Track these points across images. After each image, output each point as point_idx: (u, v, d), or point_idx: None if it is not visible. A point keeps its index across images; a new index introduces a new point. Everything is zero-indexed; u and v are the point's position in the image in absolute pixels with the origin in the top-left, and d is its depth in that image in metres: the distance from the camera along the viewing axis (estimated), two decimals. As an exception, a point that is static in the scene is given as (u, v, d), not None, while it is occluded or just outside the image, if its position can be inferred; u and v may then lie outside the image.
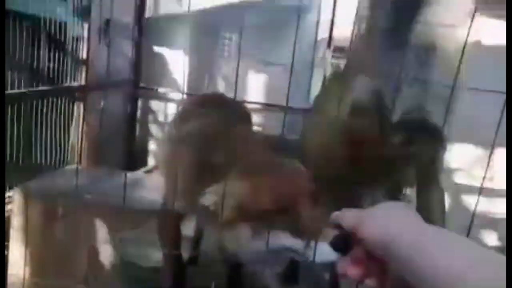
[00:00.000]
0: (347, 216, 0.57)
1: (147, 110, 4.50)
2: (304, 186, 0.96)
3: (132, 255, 1.86)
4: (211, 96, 1.46)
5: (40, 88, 2.67)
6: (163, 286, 1.24)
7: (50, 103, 2.78)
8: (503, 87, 1.14)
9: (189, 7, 4.60)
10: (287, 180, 0.96)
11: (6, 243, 2.08)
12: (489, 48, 2.37)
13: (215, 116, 0.99)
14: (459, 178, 2.84)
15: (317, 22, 4.91)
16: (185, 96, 4.45)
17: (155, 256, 1.69)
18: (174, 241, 1.20)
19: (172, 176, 1.08)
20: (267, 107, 4.41)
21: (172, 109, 4.58)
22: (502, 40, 1.82)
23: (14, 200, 2.14)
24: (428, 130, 1.06)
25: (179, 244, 1.27)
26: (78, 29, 3.08)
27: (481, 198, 2.68)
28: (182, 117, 1.07)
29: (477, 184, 2.73)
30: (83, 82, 3.05)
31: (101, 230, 2.00)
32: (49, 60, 2.82)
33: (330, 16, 4.91)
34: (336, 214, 0.60)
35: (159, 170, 1.23)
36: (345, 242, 0.62)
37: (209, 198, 0.90)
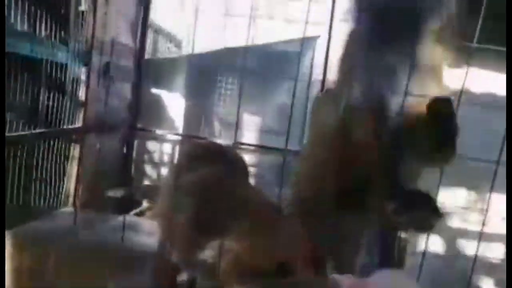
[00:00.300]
0: (348, 283, 0.58)
1: (144, 151, 4.52)
2: (303, 247, 0.96)
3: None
4: (209, 146, 1.46)
5: (38, 130, 2.69)
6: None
7: (47, 145, 2.80)
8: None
9: (193, 49, 4.75)
10: (286, 241, 0.96)
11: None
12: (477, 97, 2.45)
13: (214, 168, 1.00)
14: (453, 222, 2.85)
15: (311, 65, 5.06)
16: (181, 138, 4.49)
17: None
18: None
19: (169, 228, 1.08)
20: (261, 149, 4.45)
21: (169, 151, 4.61)
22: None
23: (6, 244, 2.10)
24: (428, 206, 1.05)
25: None
26: (78, 72, 3.15)
27: (477, 243, 2.69)
28: (180, 167, 1.06)
29: (472, 228, 2.74)
30: (80, 124, 3.08)
31: (96, 275, 1.96)
32: (48, 103, 2.86)
33: (323, 59, 5.08)
34: (336, 278, 0.61)
35: (156, 221, 1.22)
36: None
37: (207, 252, 0.89)
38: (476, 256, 2.10)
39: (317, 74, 5.83)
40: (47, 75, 2.86)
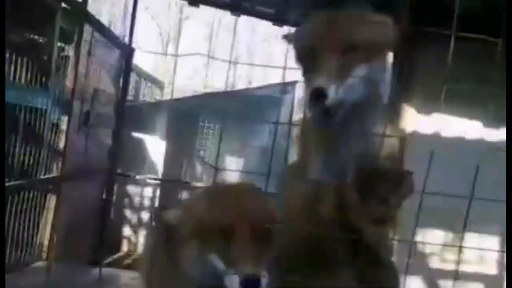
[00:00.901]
0: None
1: (123, 196, 4.46)
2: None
3: None
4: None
5: (13, 183, 2.62)
6: None
7: (22, 197, 2.72)
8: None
9: (172, 93, 4.81)
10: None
11: None
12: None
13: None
14: (432, 263, 2.86)
15: (292, 109, 5.17)
16: (160, 182, 4.46)
17: None
18: None
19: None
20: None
21: (149, 194, 4.56)
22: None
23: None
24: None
25: None
26: (57, 120, 3.13)
27: (457, 283, 2.69)
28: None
29: (449, 267, 2.75)
30: (57, 173, 3.03)
31: None
32: (24, 152, 2.81)
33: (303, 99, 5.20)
34: None
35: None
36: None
37: None
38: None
39: (298, 117, 5.95)
40: (25, 123, 2.83)
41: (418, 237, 2.81)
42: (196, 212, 1.00)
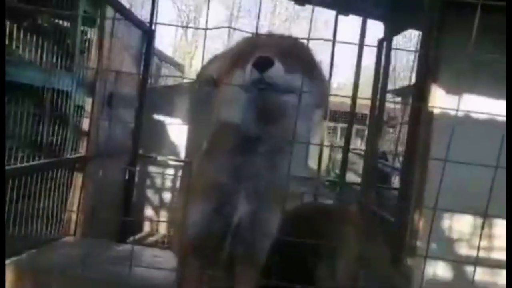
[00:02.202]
0: None
1: (145, 177, 4.55)
2: None
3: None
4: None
5: (42, 161, 2.72)
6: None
7: (50, 175, 2.82)
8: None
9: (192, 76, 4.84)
10: None
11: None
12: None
13: None
14: (460, 249, 2.81)
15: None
16: (182, 163, 4.52)
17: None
18: None
19: None
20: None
21: (170, 176, 4.64)
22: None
23: (7, 273, 2.10)
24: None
25: None
26: (82, 101, 3.21)
27: (482, 269, 2.65)
28: None
29: (478, 254, 2.70)
30: (83, 153, 3.12)
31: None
32: (52, 134, 2.90)
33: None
34: None
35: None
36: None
37: None
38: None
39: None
40: (51, 105, 2.91)
41: (445, 222, 2.79)
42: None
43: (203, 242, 1.14)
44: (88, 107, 3.14)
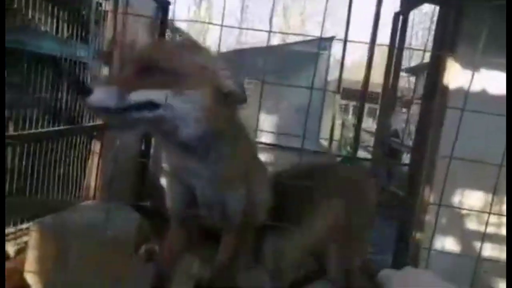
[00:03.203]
0: None
1: (160, 148, 4.61)
2: None
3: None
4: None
5: (62, 127, 2.80)
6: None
7: (69, 141, 2.91)
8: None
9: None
10: None
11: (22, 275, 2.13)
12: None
13: None
14: (470, 224, 2.85)
15: (327, 66, 5.09)
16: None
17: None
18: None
19: None
20: (278, 148, 4.49)
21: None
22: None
23: (32, 233, 2.21)
24: None
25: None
26: (98, 72, 3.25)
27: (492, 245, 2.69)
28: None
29: (488, 230, 2.74)
30: (101, 122, 3.18)
31: (116, 266, 2.04)
32: (70, 101, 2.97)
33: (339, 59, 5.11)
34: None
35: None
36: None
37: None
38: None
39: (333, 74, 5.86)
40: (69, 74, 2.97)
41: (456, 198, 2.81)
42: None
43: (178, 213, 1.24)
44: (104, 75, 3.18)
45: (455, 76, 2.68)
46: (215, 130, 1.10)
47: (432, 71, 2.84)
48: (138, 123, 1.08)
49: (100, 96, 1.01)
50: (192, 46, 1.12)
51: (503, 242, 2.75)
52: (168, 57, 1.06)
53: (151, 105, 1.05)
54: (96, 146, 3.12)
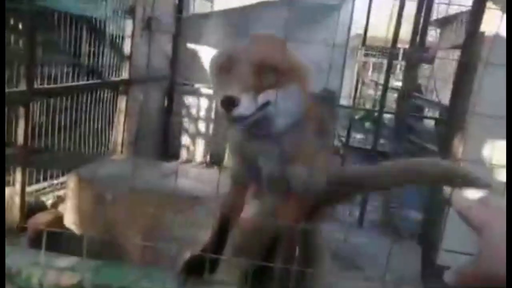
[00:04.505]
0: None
1: (182, 105, 4.64)
2: None
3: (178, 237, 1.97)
4: None
5: (86, 82, 2.82)
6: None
7: (96, 96, 2.94)
8: None
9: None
10: None
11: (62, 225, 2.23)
12: None
13: None
14: (500, 176, 2.83)
15: (350, 20, 4.93)
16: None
17: (202, 238, 1.79)
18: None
19: None
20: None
21: (204, 105, 4.72)
22: None
23: (68, 185, 2.29)
24: None
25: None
26: (122, 26, 3.23)
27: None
28: None
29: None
30: (126, 77, 3.20)
31: (148, 215, 2.12)
32: (94, 56, 2.97)
33: (362, 14, 4.92)
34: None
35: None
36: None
37: None
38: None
39: (356, 28, 5.67)
40: (92, 29, 2.95)
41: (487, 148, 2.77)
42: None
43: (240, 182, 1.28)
44: (128, 30, 3.17)
45: (494, 25, 2.56)
46: (305, 120, 1.14)
47: (474, 17, 2.70)
48: (255, 123, 1.12)
49: (245, 105, 1.03)
50: (284, 42, 1.13)
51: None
52: (279, 56, 1.07)
53: (265, 104, 1.09)
54: (121, 102, 3.15)
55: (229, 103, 1.02)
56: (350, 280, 1.41)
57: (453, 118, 2.78)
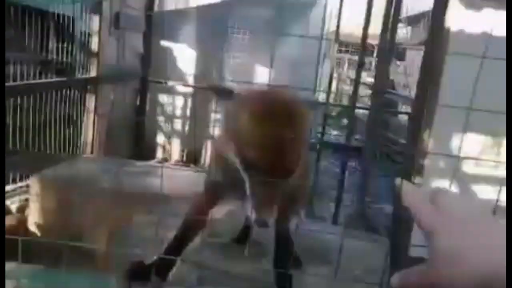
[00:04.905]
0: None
1: (156, 104, 4.56)
2: None
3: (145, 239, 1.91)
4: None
5: (52, 79, 2.72)
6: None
7: (63, 95, 2.84)
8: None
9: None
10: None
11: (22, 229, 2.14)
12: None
13: None
14: (467, 167, 2.88)
15: (324, 16, 4.93)
16: (192, 89, 4.51)
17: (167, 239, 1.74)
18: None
19: None
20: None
21: (180, 104, 4.65)
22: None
23: (32, 188, 2.20)
24: None
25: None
26: (89, 22, 3.14)
27: (488, 187, 2.73)
28: None
29: (485, 172, 2.77)
30: (94, 75, 3.10)
31: (116, 215, 2.05)
32: (61, 53, 2.87)
33: (337, 11, 4.94)
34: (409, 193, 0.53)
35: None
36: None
37: None
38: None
39: (333, 25, 5.69)
40: (59, 26, 2.86)
41: (454, 142, 2.83)
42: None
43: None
44: (95, 27, 3.07)
45: (458, 19, 2.60)
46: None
47: (436, 13, 2.74)
48: None
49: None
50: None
51: (498, 183, 2.78)
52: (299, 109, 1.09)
53: None
54: (90, 101, 3.06)
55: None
56: (320, 276, 1.40)
57: (420, 111, 2.81)
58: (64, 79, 2.82)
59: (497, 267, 0.41)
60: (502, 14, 2.48)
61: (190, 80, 4.52)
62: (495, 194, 2.22)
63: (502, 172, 2.71)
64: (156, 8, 4.24)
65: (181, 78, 4.49)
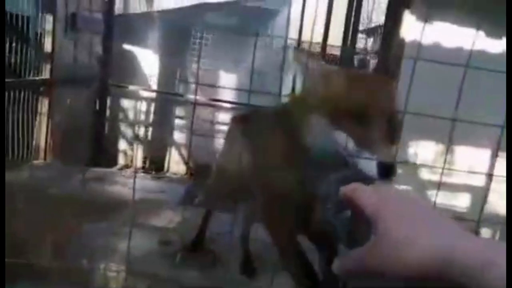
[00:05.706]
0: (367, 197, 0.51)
1: (117, 109, 4.42)
2: None
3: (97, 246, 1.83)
4: None
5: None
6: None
7: (13, 97, 2.68)
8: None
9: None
10: None
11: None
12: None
13: None
14: (423, 174, 2.95)
15: (287, 25, 4.98)
16: (155, 94, 4.42)
17: (122, 246, 1.67)
18: None
19: None
20: (234, 105, 4.44)
21: (142, 107, 4.53)
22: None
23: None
24: None
25: None
26: (43, 22, 3.00)
27: (444, 193, 2.80)
28: None
29: (438, 178, 2.84)
30: (47, 76, 2.96)
31: (65, 223, 1.95)
32: (10, 53, 2.72)
33: (299, 19, 5.01)
34: (351, 190, 0.53)
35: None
36: None
37: None
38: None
39: (293, 32, 5.76)
40: (11, 25, 2.72)
41: (410, 149, 2.89)
42: (333, 88, 1.02)
43: None
44: (49, 27, 2.94)
45: (410, 29, 2.68)
46: None
47: (389, 24, 2.82)
48: None
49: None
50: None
51: (453, 190, 2.87)
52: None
53: None
54: (43, 103, 2.91)
55: (389, 173, 0.93)
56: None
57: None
58: (13, 80, 2.67)
59: (445, 253, 0.42)
60: (449, 27, 2.59)
61: (153, 84, 4.44)
62: (448, 199, 2.25)
63: (455, 179, 2.79)
64: (116, 10, 4.14)
65: (143, 82, 4.39)
